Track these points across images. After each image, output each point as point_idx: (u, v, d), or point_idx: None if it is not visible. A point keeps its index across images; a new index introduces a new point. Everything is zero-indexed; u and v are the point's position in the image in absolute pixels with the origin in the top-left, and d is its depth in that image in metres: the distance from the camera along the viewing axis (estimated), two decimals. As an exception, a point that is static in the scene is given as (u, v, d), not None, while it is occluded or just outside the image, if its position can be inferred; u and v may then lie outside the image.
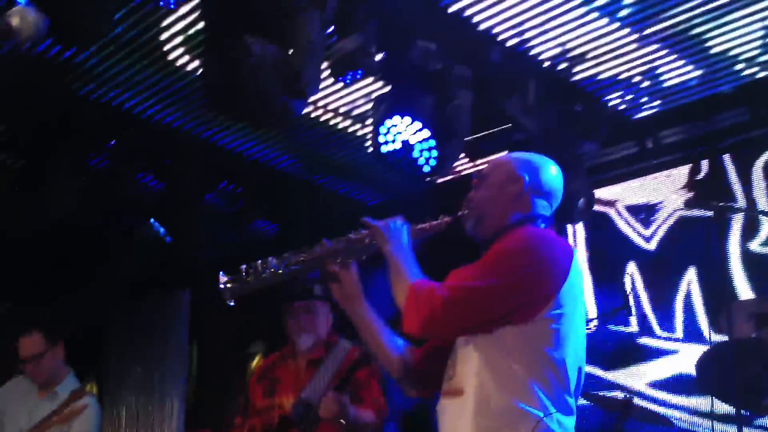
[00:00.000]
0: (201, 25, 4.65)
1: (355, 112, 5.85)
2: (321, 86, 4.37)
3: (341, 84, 5.08)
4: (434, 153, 4.61)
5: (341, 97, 5.70)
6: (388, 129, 4.62)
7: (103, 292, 8.05)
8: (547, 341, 2.49)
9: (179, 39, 5.06)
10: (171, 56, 5.21)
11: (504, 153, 3.49)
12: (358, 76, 4.47)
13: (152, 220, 6.17)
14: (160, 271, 7.63)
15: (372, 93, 5.41)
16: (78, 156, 5.55)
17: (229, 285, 2.61)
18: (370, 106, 5.38)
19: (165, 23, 4.92)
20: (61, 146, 5.39)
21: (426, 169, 4.66)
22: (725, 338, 4.40)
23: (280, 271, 2.61)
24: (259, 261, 2.63)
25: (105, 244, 7.25)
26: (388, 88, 4.82)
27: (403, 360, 2.79)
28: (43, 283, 7.82)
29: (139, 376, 8.58)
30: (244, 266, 2.60)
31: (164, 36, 5.03)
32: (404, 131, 4.59)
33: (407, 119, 4.56)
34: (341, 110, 5.84)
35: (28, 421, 4.65)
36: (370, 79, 5.21)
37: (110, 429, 8.59)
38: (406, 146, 4.58)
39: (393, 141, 4.63)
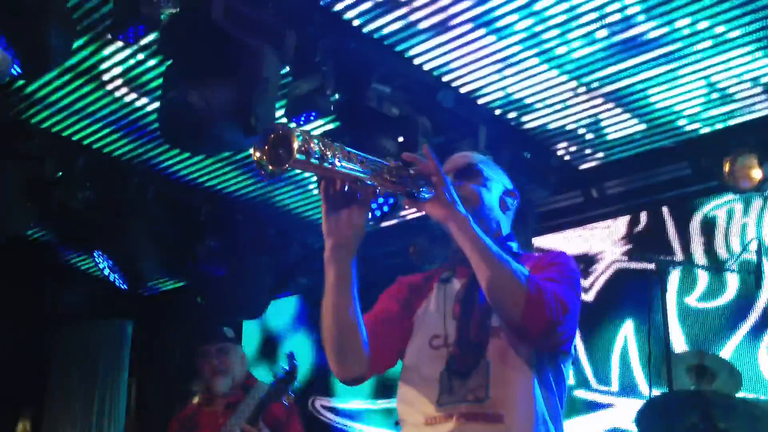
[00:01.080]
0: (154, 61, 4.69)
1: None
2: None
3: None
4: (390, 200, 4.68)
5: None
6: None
7: (49, 314, 8.00)
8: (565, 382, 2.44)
9: (133, 72, 5.11)
10: (123, 90, 5.28)
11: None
12: (313, 117, 4.53)
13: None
14: (104, 299, 7.55)
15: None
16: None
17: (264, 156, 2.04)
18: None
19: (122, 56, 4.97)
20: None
21: (377, 213, 4.72)
22: (662, 391, 4.49)
23: (338, 164, 2.06)
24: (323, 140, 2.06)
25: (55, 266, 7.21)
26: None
27: (359, 332, 2.39)
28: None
29: (78, 411, 8.40)
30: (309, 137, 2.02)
31: (119, 69, 5.09)
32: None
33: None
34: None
35: None
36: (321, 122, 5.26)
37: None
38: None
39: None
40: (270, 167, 2.03)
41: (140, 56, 4.97)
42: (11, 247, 6.21)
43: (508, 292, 2.20)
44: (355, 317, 2.37)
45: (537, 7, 4.35)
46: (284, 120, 4.65)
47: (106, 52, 4.94)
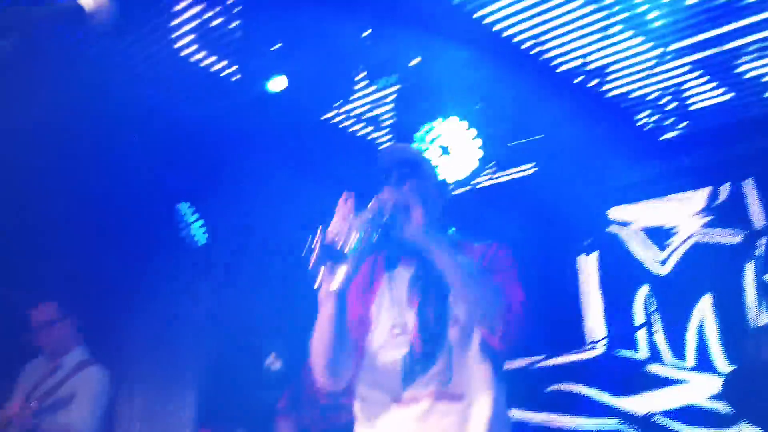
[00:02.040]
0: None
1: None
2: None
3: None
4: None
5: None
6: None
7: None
8: None
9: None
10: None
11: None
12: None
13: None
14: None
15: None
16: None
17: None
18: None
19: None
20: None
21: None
22: (739, 367, 4.44)
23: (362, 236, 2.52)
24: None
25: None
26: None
27: (348, 347, 2.70)
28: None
29: (154, 364, 8.48)
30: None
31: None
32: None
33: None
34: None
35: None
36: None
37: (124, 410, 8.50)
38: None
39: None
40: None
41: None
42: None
43: (489, 311, 2.52)
44: (343, 335, 2.64)
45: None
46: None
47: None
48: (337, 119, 5.84)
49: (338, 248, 2.48)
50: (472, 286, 2.54)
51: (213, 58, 5.25)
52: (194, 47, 5.18)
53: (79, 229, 6.79)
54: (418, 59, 4.73)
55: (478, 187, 6.13)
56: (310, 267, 2.50)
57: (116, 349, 8.37)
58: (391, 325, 2.68)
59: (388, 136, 5.74)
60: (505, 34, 4.84)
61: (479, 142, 4.79)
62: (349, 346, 2.67)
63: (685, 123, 5.69)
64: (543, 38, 4.88)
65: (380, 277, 2.81)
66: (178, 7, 4.77)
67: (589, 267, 6.55)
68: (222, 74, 5.39)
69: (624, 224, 6.36)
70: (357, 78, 4.84)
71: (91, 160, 5.78)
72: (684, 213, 6.13)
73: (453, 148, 4.74)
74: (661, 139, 5.80)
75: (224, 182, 6.20)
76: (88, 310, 5.39)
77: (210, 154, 6.17)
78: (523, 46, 4.93)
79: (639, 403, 5.97)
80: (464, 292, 2.55)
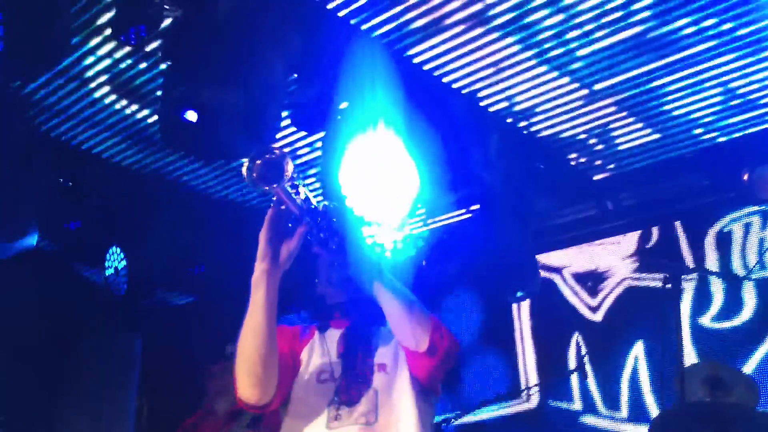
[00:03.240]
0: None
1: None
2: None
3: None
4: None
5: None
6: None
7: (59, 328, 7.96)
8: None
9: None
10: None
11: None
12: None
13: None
14: (112, 313, 7.67)
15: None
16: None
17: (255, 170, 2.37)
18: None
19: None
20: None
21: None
22: (667, 410, 4.45)
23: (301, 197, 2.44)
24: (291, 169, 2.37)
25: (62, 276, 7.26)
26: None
27: (277, 358, 2.65)
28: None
29: (87, 425, 8.35)
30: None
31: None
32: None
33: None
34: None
35: None
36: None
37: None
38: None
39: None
40: (260, 184, 2.35)
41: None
42: (21, 260, 6.18)
43: (417, 322, 2.61)
44: (275, 344, 2.62)
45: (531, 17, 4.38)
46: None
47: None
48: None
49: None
50: (403, 302, 2.62)
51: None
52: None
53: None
54: (345, 104, 4.73)
55: (413, 233, 6.12)
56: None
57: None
58: (319, 371, 2.78)
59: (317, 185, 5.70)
60: (434, 74, 4.89)
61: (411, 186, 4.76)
62: (276, 361, 2.63)
63: (612, 164, 5.77)
64: (471, 79, 4.93)
65: (312, 334, 2.91)
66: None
67: (522, 314, 6.56)
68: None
69: (556, 270, 6.39)
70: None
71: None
72: (615, 257, 6.20)
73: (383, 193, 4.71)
74: (594, 179, 5.84)
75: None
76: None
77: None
78: (454, 86, 4.99)
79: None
80: (392, 308, 2.62)
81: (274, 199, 2.44)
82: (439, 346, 2.64)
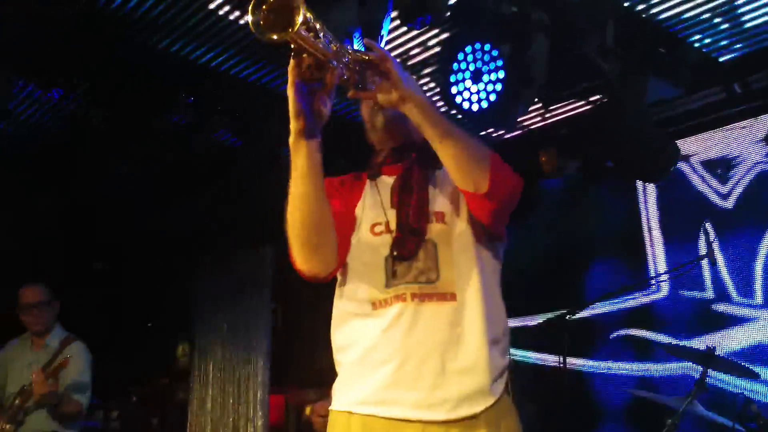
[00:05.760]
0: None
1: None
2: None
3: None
4: (492, 97, 4.62)
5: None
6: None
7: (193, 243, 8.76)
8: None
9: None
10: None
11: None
12: (428, 22, 4.52)
13: None
14: (244, 227, 8.19)
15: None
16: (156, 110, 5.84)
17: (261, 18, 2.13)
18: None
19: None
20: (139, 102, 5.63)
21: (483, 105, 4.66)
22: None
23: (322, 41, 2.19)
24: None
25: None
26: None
27: (331, 222, 2.55)
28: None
29: (226, 333, 9.18)
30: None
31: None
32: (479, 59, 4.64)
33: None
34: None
35: (28, 373, 5.56)
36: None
37: (199, 382, 9.30)
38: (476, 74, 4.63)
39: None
40: (270, 34, 2.10)
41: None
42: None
43: (475, 162, 2.46)
44: (327, 207, 2.51)
45: None
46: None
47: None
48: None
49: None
50: (455, 137, 2.46)
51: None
52: None
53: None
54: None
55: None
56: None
57: (192, 327, 9.35)
58: (372, 224, 2.68)
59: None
60: None
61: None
62: (331, 226, 2.54)
63: (740, 45, 5.58)
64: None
65: (363, 183, 2.82)
66: None
67: (648, 203, 6.53)
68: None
69: (684, 158, 6.31)
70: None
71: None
72: (746, 142, 6.07)
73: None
74: (720, 61, 5.67)
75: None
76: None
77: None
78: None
79: (707, 344, 5.97)
80: (445, 144, 2.46)
81: (292, 47, 2.19)
82: (501, 186, 2.49)
